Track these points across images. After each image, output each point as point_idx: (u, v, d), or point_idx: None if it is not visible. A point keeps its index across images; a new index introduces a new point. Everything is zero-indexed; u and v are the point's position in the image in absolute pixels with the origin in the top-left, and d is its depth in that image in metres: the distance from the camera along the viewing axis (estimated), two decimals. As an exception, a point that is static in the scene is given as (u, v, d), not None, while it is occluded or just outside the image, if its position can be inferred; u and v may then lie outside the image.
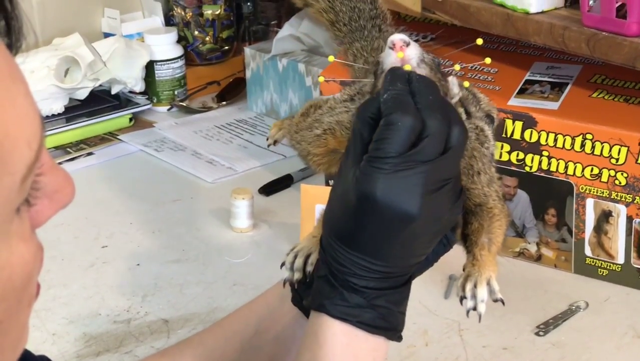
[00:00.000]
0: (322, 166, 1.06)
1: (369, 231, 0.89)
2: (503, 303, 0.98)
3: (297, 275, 1.01)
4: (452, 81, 0.97)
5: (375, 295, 0.92)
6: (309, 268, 1.01)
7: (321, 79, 1.04)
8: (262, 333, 1.07)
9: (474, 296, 0.97)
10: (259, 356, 1.07)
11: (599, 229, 1.47)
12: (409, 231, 0.89)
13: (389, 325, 0.93)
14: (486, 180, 0.98)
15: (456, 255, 1.55)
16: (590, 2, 1.37)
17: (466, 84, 0.99)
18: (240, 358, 1.07)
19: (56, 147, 1.93)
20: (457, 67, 1.00)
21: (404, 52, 0.93)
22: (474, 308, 0.97)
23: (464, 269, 0.99)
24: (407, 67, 0.92)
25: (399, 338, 0.95)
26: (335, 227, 0.92)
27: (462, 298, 0.97)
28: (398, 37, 0.93)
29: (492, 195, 0.98)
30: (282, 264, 1.02)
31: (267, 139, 1.27)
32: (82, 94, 1.98)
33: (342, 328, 0.93)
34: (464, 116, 0.96)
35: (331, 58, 1.02)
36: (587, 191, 1.46)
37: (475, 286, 0.97)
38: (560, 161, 1.46)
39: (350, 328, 0.92)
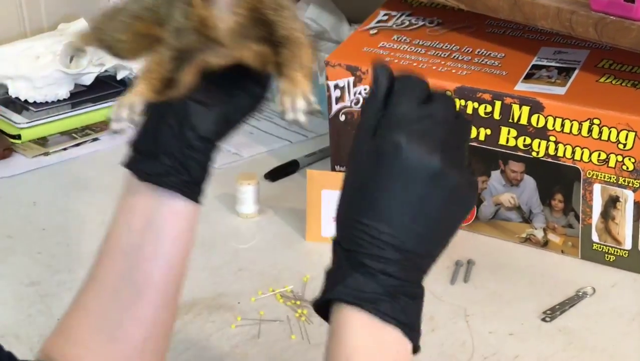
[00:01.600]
0: (131, 52, 1.14)
1: (385, 185, 0.92)
2: (320, 112, 1.06)
3: (124, 124, 1.07)
4: None
5: (393, 283, 0.92)
6: (134, 117, 1.06)
7: None
8: (134, 229, 1.12)
9: (293, 108, 1.04)
10: (144, 252, 1.11)
11: (606, 214, 1.46)
12: (428, 189, 0.92)
13: (408, 319, 0.94)
14: (291, 15, 1.06)
15: (463, 242, 1.56)
16: (598, -14, 1.37)
17: None
18: (127, 266, 1.11)
19: (62, 133, 1.93)
20: None
21: None
22: (295, 120, 1.04)
23: (279, 90, 1.06)
24: None
25: (417, 345, 0.95)
26: (347, 201, 0.95)
27: (282, 113, 1.05)
28: None
29: (298, 28, 1.06)
30: (110, 120, 1.07)
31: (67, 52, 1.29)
32: (88, 80, 1.98)
33: (360, 317, 0.93)
34: None
35: None
36: (595, 177, 1.45)
37: (293, 99, 1.04)
38: (567, 146, 1.46)
39: (367, 317, 0.93)
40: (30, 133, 1.90)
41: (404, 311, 0.93)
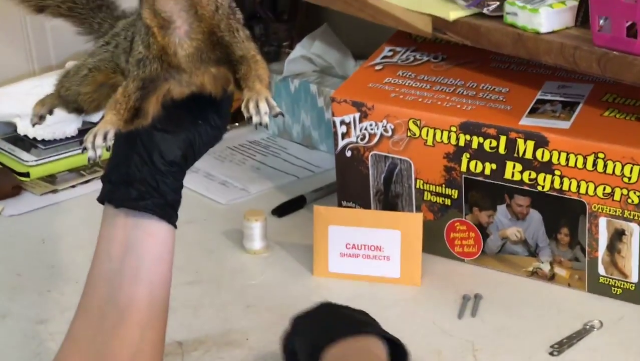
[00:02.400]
0: (93, 103, 1.28)
1: None
2: (283, 116, 1.18)
3: (99, 151, 1.15)
4: None
5: None
6: (109, 143, 1.16)
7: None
8: (115, 256, 1.20)
9: (258, 113, 1.13)
10: (125, 276, 1.19)
11: (612, 247, 1.47)
12: None
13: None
14: (245, 36, 1.17)
15: (470, 276, 1.56)
16: (601, 22, 1.38)
17: None
18: (110, 291, 1.19)
19: (70, 170, 1.94)
20: None
21: None
22: (260, 123, 1.13)
23: (243, 99, 1.15)
24: None
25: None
26: None
27: (249, 119, 1.13)
28: None
29: (252, 47, 1.17)
30: (84, 149, 1.15)
31: (31, 121, 1.40)
32: (96, 117, 1.99)
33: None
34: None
35: None
36: (600, 210, 1.46)
37: (257, 104, 1.13)
38: (572, 180, 1.47)
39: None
40: (39, 171, 1.91)
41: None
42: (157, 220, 1.19)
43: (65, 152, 1.94)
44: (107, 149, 1.17)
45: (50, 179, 1.91)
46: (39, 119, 1.39)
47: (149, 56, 1.16)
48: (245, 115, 1.14)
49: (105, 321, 1.18)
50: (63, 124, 1.95)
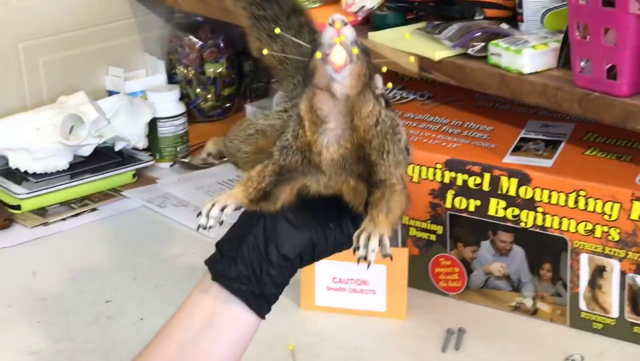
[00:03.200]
0: (248, 164, 1.20)
1: None
2: (391, 259, 1.09)
3: (212, 222, 1.13)
4: (378, 77, 1.11)
5: None
6: (224, 218, 1.12)
7: (265, 51, 1.19)
8: (194, 325, 1.15)
9: (366, 247, 1.07)
10: (198, 347, 1.15)
11: (593, 283, 1.49)
12: None
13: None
14: (394, 161, 1.11)
15: (454, 310, 1.58)
16: (582, 64, 1.41)
17: (389, 85, 1.13)
18: (179, 355, 1.15)
19: (61, 203, 1.96)
20: (389, 85, 1.15)
21: (341, 30, 1.06)
22: (365, 258, 1.07)
23: (361, 227, 1.10)
24: (342, 38, 1.05)
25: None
26: None
27: (355, 249, 1.08)
28: (338, 16, 1.06)
29: (396, 175, 1.11)
30: (199, 214, 1.13)
31: (201, 155, 1.35)
32: (87, 151, 2.02)
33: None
34: (383, 104, 1.11)
35: (277, 30, 1.16)
36: (581, 247, 1.49)
37: (368, 238, 1.08)
38: (554, 217, 1.50)
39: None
40: (30, 204, 1.93)
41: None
42: (246, 307, 1.14)
43: (56, 186, 1.96)
44: (220, 223, 1.13)
45: (41, 212, 1.94)
46: (207, 155, 1.36)
47: (293, 146, 1.11)
48: (354, 244, 1.08)
49: None
50: (54, 157, 1.97)
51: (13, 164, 1.97)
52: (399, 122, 1.13)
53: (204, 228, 1.13)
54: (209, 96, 2.29)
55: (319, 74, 1.07)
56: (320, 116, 1.09)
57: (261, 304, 1.15)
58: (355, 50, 1.06)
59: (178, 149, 2.13)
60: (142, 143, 2.07)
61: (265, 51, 1.20)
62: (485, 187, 1.54)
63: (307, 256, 1.15)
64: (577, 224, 1.48)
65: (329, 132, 1.09)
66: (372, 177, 1.10)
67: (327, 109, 1.08)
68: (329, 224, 1.14)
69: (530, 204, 1.51)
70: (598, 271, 1.48)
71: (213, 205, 1.13)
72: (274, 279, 1.14)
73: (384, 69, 1.12)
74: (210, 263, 1.17)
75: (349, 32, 1.07)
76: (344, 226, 1.15)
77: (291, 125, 1.11)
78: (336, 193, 1.12)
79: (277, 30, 1.16)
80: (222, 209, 1.13)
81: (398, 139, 1.12)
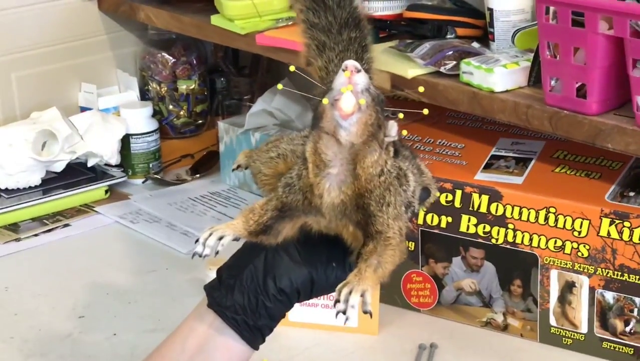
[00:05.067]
0: (267, 186, 1.19)
1: None
2: (371, 316, 1.06)
3: (207, 251, 1.11)
4: (393, 124, 1.09)
5: None
6: (220, 248, 1.11)
7: (292, 68, 1.12)
8: (187, 350, 1.15)
9: (346, 301, 1.05)
10: None
11: (563, 299, 1.51)
12: None
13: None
14: (393, 214, 1.08)
15: (426, 325, 1.59)
16: (552, 82, 1.43)
17: (404, 132, 1.12)
18: None
19: (33, 219, 1.96)
20: (404, 132, 1.14)
21: (352, 78, 1.05)
22: (344, 312, 1.05)
23: (346, 280, 1.08)
24: (349, 88, 1.04)
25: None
26: None
27: (336, 301, 1.06)
28: (351, 63, 1.05)
29: (394, 228, 1.08)
30: (197, 240, 1.11)
31: (233, 165, 1.32)
32: (59, 167, 2.02)
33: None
34: (391, 155, 1.09)
35: (292, 68, 1.11)
36: (551, 263, 1.50)
37: (350, 292, 1.05)
38: (525, 233, 1.51)
39: None
40: (2, 219, 1.93)
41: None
42: (238, 338, 1.14)
43: (28, 201, 1.96)
44: (216, 253, 1.12)
45: (13, 227, 1.93)
46: (237, 167, 1.32)
47: (296, 185, 1.10)
48: (335, 295, 1.07)
49: None
50: (27, 173, 1.97)
51: (-15, 179, 1.97)
52: (408, 173, 1.11)
53: (200, 256, 1.12)
54: (182, 113, 2.30)
55: (326, 118, 1.07)
56: (324, 160, 1.08)
57: (254, 335, 1.14)
58: (363, 101, 1.04)
59: (151, 165, 2.14)
60: (115, 159, 2.07)
61: (279, 86, 1.20)
62: (457, 203, 1.55)
63: (305, 292, 1.14)
64: (547, 240, 1.50)
65: (332, 177, 1.08)
66: (369, 227, 1.08)
67: (331, 153, 1.07)
68: (331, 262, 1.13)
69: (501, 221, 1.52)
70: (568, 287, 1.50)
71: (211, 234, 1.12)
72: (270, 312, 1.13)
73: (401, 116, 1.11)
74: (209, 289, 1.16)
75: (361, 80, 1.05)
76: (347, 265, 1.13)
77: (297, 164, 1.11)
78: (337, 233, 1.11)
79: (292, 68, 1.12)
80: (220, 239, 1.11)
81: (404, 189, 1.10)
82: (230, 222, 1.13)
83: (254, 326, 1.13)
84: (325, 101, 1.06)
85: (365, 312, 1.05)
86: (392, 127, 1.10)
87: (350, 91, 1.05)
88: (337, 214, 1.08)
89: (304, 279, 1.13)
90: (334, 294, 1.08)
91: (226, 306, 1.13)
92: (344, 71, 1.05)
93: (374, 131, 1.07)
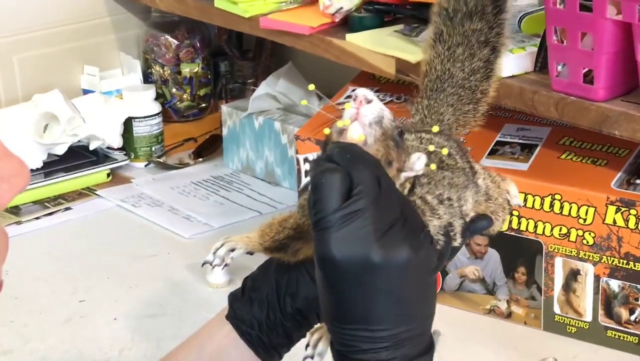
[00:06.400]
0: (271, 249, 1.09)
1: (348, 295, 0.89)
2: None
3: (217, 261, 1.08)
4: (419, 157, 0.99)
5: None
6: (228, 260, 1.08)
7: (311, 87, 1.06)
8: (202, 358, 1.11)
9: (315, 347, 1.02)
10: None
11: (567, 287, 1.50)
12: (384, 280, 0.88)
13: None
14: None
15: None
16: (559, 68, 1.42)
17: (432, 167, 1.00)
18: None
19: (34, 202, 1.95)
20: (435, 128, 1.05)
21: (360, 109, 0.95)
22: (312, 357, 1.02)
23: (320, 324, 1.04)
24: (346, 123, 0.94)
25: None
26: (325, 310, 0.92)
27: (307, 345, 1.03)
28: (361, 92, 0.96)
29: None
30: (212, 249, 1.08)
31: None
32: (61, 150, 2.01)
33: None
34: (406, 192, 0.99)
35: (311, 87, 1.05)
36: (556, 250, 1.49)
37: (319, 340, 1.02)
38: (529, 220, 1.50)
39: None
40: (3, 202, 1.92)
41: None
42: (253, 353, 1.10)
43: (29, 185, 1.94)
44: (224, 266, 1.09)
45: (15, 210, 1.92)
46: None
47: (307, 208, 1.00)
48: (306, 339, 1.03)
49: None
50: (28, 156, 1.96)
51: (-14, 162, 1.96)
52: (427, 206, 0.99)
53: (210, 265, 1.09)
54: (185, 96, 2.29)
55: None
56: None
57: (269, 353, 1.10)
58: (362, 138, 0.94)
59: (153, 148, 2.13)
60: (117, 142, 2.06)
61: (311, 87, 1.10)
62: (461, 190, 1.54)
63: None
64: (552, 227, 1.49)
65: None
66: None
67: None
68: None
69: (505, 208, 1.51)
70: (572, 275, 1.49)
71: (223, 244, 1.09)
72: (287, 331, 1.09)
73: (431, 148, 1.02)
74: (231, 297, 1.12)
75: (370, 112, 0.95)
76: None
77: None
78: None
79: (311, 87, 1.05)
80: (232, 250, 1.08)
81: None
82: (245, 234, 1.09)
83: (269, 343, 1.09)
84: (326, 130, 0.98)
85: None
86: (418, 161, 0.99)
87: (357, 122, 0.96)
88: None
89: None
90: None
91: (243, 319, 1.09)
92: (353, 100, 0.96)
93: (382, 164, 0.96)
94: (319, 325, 1.05)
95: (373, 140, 0.95)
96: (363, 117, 0.95)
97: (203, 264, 1.10)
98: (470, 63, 1.04)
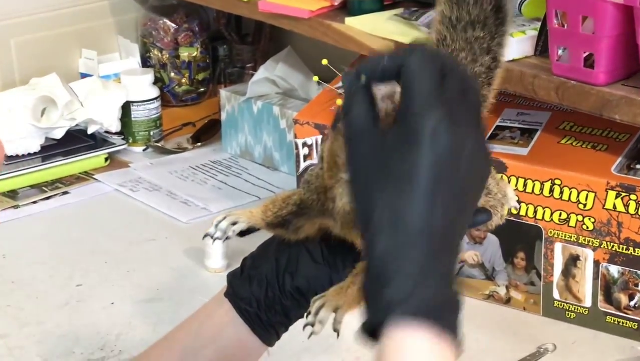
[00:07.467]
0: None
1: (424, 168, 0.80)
2: (338, 335, 1.00)
3: (218, 234, 1.07)
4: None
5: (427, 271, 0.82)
6: (230, 234, 1.07)
7: (324, 61, 1.03)
8: (200, 337, 1.11)
9: (316, 314, 1.00)
10: (197, 359, 1.11)
11: (566, 272, 1.49)
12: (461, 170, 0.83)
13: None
14: None
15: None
16: (559, 52, 1.41)
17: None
18: None
19: (32, 186, 1.94)
20: None
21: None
22: (312, 325, 1.00)
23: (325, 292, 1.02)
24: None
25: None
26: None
27: (308, 313, 1.01)
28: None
29: None
30: (212, 222, 1.08)
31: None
32: (59, 134, 2.00)
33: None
34: None
35: (324, 61, 1.03)
36: (556, 235, 1.49)
37: (322, 306, 1.00)
38: (529, 205, 1.50)
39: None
40: (0, 186, 1.91)
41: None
42: (251, 331, 1.09)
43: (27, 168, 1.94)
44: (226, 239, 1.08)
45: (12, 194, 1.92)
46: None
47: (313, 184, 1.03)
48: (309, 308, 1.01)
49: None
50: (26, 139, 1.96)
51: (-17, 145, 1.95)
52: None
53: (211, 238, 1.08)
54: (183, 80, 2.28)
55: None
56: (338, 162, 0.99)
57: (267, 331, 1.09)
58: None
59: (151, 133, 2.12)
60: (115, 127, 2.05)
61: (324, 61, 1.08)
62: (460, 175, 1.53)
63: (322, 291, 1.06)
64: (552, 213, 1.48)
65: (344, 183, 0.99)
66: None
67: (344, 157, 0.97)
68: (355, 266, 1.04)
69: (505, 193, 1.50)
70: (572, 260, 1.48)
71: (225, 217, 1.08)
72: (285, 310, 1.08)
73: None
74: (230, 276, 1.11)
75: (384, 87, 0.89)
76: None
77: (320, 164, 1.03)
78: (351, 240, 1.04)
79: (325, 62, 1.03)
80: (233, 224, 1.07)
81: None
82: (247, 209, 1.09)
83: (267, 322, 1.09)
84: (339, 101, 0.99)
85: (334, 330, 1.00)
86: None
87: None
88: (348, 222, 1.01)
89: (322, 280, 1.07)
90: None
91: (242, 297, 1.09)
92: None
93: None
94: (321, 294, 1.03)
95: (386, 116, 0.88)
96: (379, 92, 0.88)
97: (204, 236, 1.09)
98: (472, 68, 1.03)
